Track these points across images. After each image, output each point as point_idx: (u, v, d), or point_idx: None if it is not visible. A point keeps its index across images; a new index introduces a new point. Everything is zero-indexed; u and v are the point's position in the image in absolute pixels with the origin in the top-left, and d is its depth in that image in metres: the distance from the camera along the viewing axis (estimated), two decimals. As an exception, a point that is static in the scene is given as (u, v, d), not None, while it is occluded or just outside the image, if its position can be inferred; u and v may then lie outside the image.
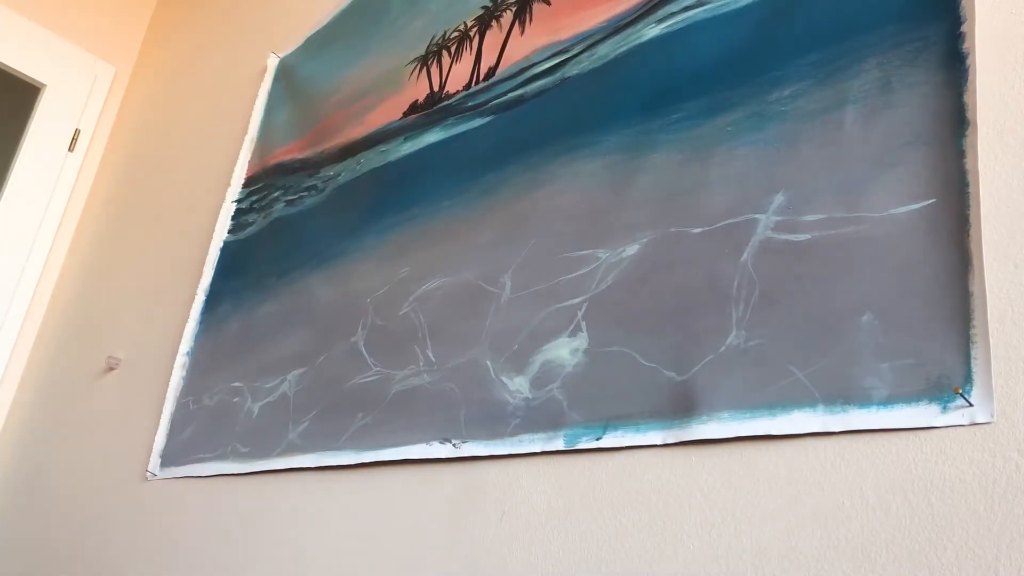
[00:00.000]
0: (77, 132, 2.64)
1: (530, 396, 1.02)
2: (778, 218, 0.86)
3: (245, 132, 1.98)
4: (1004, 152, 0.74)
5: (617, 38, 1.16)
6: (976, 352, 0.69)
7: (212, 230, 1.89)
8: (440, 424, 1.11)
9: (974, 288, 0.71)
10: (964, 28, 0.79)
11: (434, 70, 1.50)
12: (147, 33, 2.98)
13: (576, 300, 1.02)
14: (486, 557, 1.00)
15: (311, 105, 1.83)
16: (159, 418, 1.72)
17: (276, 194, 1.78)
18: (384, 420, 1.20)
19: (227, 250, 1.84)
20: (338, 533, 1.21)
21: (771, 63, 0.95)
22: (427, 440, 1.12)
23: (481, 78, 1.38)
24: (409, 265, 1.31)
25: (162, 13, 2.97)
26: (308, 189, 1.69)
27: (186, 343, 1.78)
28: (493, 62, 1.36)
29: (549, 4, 1.31)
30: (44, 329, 2.46)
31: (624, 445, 0.90)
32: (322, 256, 1.54)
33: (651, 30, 1.11)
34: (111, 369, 2.01)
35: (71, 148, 2.62)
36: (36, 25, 2.61)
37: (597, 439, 0.92)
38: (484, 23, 1.42)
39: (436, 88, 1.47)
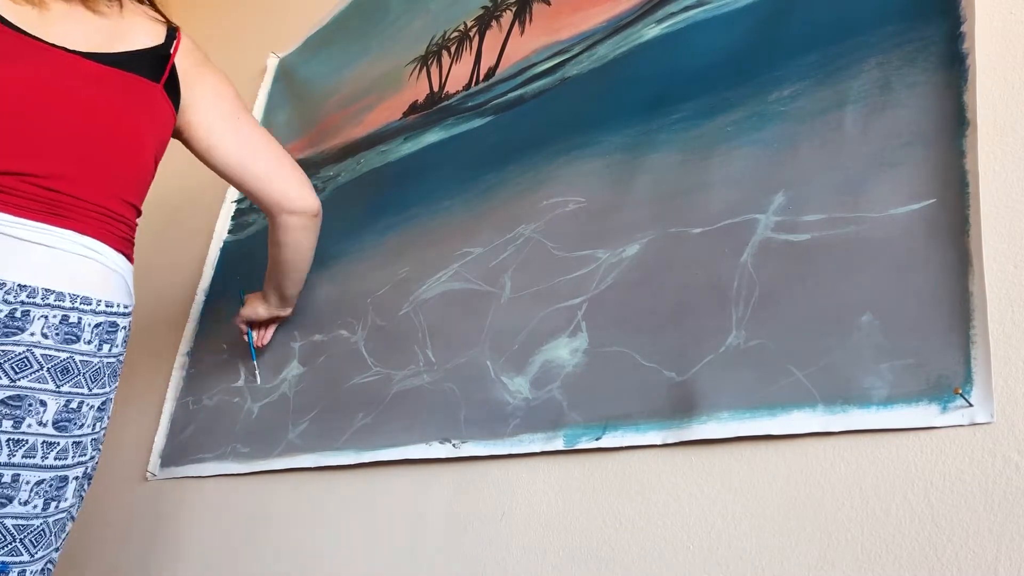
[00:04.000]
0: (77, 132, 2.64)
1: (530, 396, 1.02)
2: (778, 218, 0.86)
3: (245, 132, 1.98)
4: (1004, 152, 0.74)
5: (617, 38, 1.16)
6: (976, 352, 0.69)
7: (212, 230, 1.89)
8: (440, 424, 1.11)
9: (974, 288, 0.71)
10: (964, 28, 0.79)
11: (434, 70, 1.50)
12: (147, 33, 2.98)
13: (576, 300, 1.02)
14: (486, 557, 1.00)
15: (311, 105, 1.83)
16: (159, 418, 1.72)
17: (276, 194, 1.78)
18: (384, 420, 1.20)
19: (227, 250, 1.84)
20: (338, 533, 1.21)
21: (771, 63, 0.95)
22: (427, 440, 1.12)
23: (481, 78, 1.38)
24: (409, 265, 1.31)
25: (162, 13, 2.96)
26: (308, 189, 1.69)
27: (186, 343, 1.78)
28: (493, 62, 1.36)
29: (549, 4, 1.31)
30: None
31: (624, 445, 0.90)
32: (322, 256, 1.53)
33: (651, 30, 1.11)
34: (111, 369, 2.01)
35: (71, 148, 2.62)
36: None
37: (597, 439, 0.92)
38: (484, 23, 1.42)
39: (436, 88, 1.47)
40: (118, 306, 1.10)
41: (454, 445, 1.08)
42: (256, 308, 1.47)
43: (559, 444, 0.96)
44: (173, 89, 1.17)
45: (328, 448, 1.27)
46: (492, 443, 1.03)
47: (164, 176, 2.27)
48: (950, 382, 0.70)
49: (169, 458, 1.65)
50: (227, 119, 1.21)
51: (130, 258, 1.14)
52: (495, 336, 1.10)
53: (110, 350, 1.10)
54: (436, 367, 1.17)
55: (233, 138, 1.21)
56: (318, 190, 1.67)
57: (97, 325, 1.07)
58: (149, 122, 1.14)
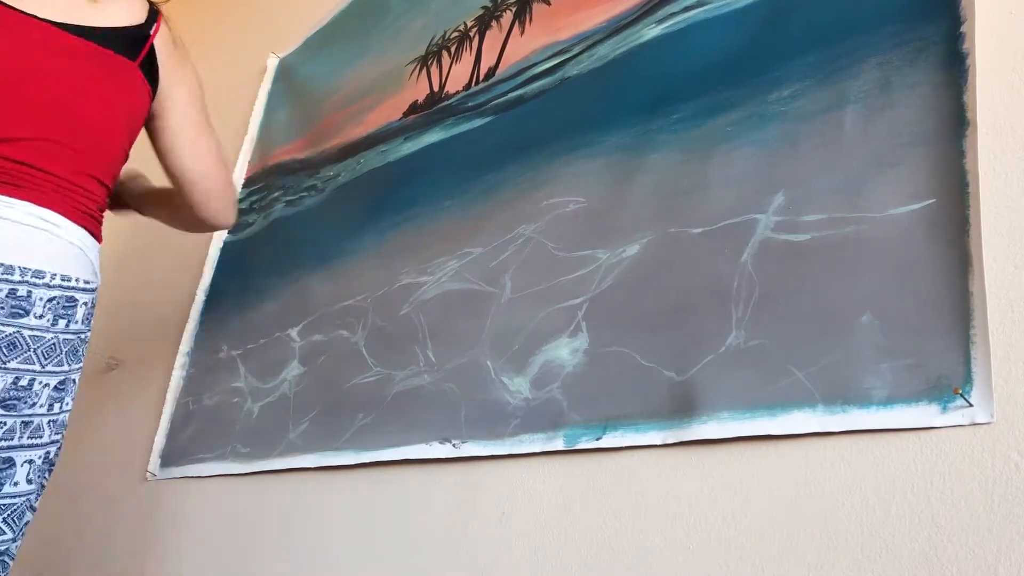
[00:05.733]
0: (77, 132, 2.64)
1: (530, 396, 1.02)
2: (778, 218, 0.86)
3: (245, 132, 1.98)
4: (1004, 152, 0.74)
5: (617, 38, 1.16)
6: (976, 352, 0.69)
7: (212, 230, 1.89)
8: (440, 424, 1.11)
9: (974, 288, 0.71)
10: (964, 28, 0.79)
11: (434, 70, 1.50)
12: (147, 33, 2.98)
13: (576, 300, 1.02)
14: (486, 557, 1.00)
15: (311, 105, 1.83)
16: (159, 418, 1.72)
17: (276, 194, 1.78)
18: (384, 420, 1.20)
19: (227, 250, 1.84)
20: (338, 533, 1.21)
21: (771, 63, 0.95)
22: (427, 440, 1.12)
23: (481, 78, 1.38)
24: (410, 265, 1.31)
25: (162, 13, 2.96)
26: (308, 189, 1.69)
27: (186, 343, 1.78)
28: (493, 62, 1.36)
29: (549, 4, 1.31)
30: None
31: (624, 445, 0.90)
32: (322, 256, 1.54)
33: (651, 30, 1.11)
34: (111, 369, 2.01)
35: (71, 148, 2.61)
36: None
37: (597, 439, 0.92)
38: (484, 23, 1.42)
39: (436, 88, 1.47)
40: (77, 280, 1.05)
41: (454, 445, 1.08)
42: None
43: (559, 444, 0.96)
44: (151, 71, 1.13)
45: (328, 448, 1.27)
46: (492, 443, 1.03)
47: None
48: (950, 382, 0.69)
49: (169, 458, 1.65)
50: (195, 127, 1.19)
51: (96, 235, 1.10)
52: (495, 336, 1.10)
53: (67, 326, 1.04)
54: (436, 367, 1.17)
55: (191, 149, 1.19)
56: (318, 190, 1.68)
57: (51, 299, 1.02)
58: (122, 99, 1.10)
